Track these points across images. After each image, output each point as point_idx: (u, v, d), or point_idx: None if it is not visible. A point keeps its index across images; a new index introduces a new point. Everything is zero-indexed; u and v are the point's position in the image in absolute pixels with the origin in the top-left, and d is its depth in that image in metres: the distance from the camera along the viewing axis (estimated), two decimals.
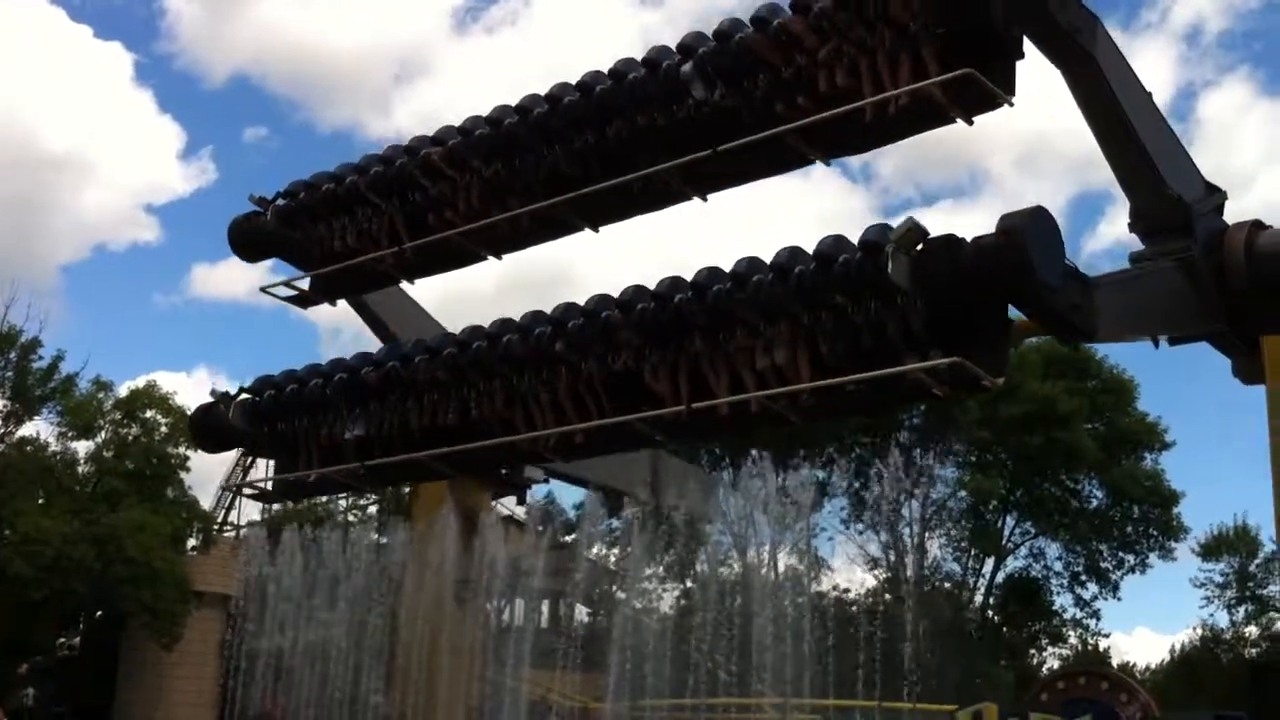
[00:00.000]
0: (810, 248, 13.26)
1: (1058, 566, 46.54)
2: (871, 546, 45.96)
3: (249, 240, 18.92)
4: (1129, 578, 45.66)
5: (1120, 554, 45.56)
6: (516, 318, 16.09)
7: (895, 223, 12.48)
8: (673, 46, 14.74)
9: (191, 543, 38.43)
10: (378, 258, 17.40)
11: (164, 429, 37.05)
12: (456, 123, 16.97)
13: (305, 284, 18.93)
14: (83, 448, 37.59)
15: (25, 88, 75.22)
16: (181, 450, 37.06)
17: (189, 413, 37.13)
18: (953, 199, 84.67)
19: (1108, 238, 78.92)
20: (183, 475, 37.96)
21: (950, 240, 12.03)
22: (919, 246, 11.96)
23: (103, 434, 37.21)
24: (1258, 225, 13.81)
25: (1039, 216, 11.69)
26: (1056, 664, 45.77)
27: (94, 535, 33.76)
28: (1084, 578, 46.10)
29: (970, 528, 45.38)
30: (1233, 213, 14.31)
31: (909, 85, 12.46)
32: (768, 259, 13.56)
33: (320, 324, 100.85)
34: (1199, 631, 47.84)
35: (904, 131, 13.62)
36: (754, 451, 48.12)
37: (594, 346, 14.60)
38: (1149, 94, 13.29)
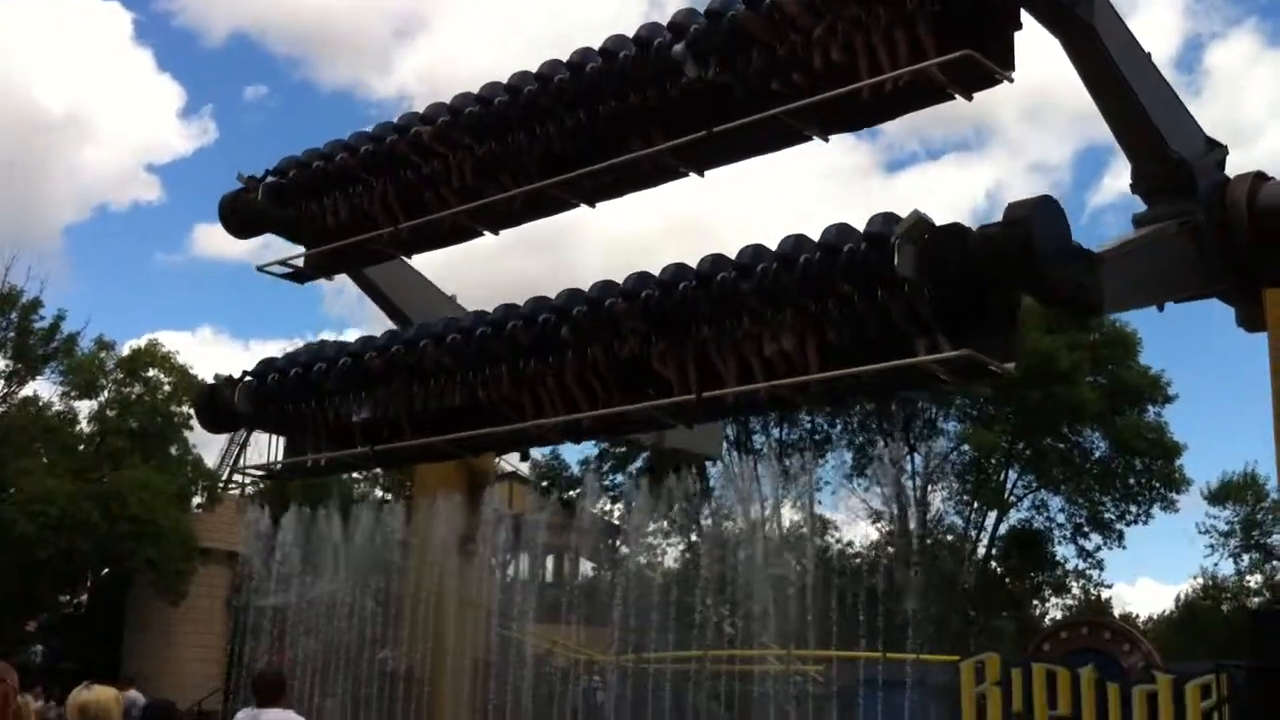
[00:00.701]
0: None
1: (1060, 518, 46.70)
2: (874, 500, 46.12)
3: (240, 218, 18.91)
4: (1132, 529, 45.86)
5: (1123, 505, 45.69)
6: (520, 302, 16.04)
7: (902, 214, 12.41)
8: (664, 23, 14.62)
9: (196, 500, 38.57)
10: (373, 237, 17.40)
11: (166, 388, 37.12)
12: (458, 81, 17.18)
13: (301, 261, 18.95)
14: (85, 407, 37.71)
15: (24, 47, 74.86)
16: (184, 409, 37.13)
17: (190, 371, 37.43)
18: (958, 152, 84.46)
19: (1113, 191, 78.84)
20: (186, 434, 38.06)
21: (956, 231, 11.99)
22: (925, 237, 11.92)
23: (105, 393, 37.28)
24: (1260, 177, 13.78)
25: (1045, 205, 11.66)
26: (1059, 615, 46.03)
27: (98, 494, 33.90)
28: (1086, 529, 46.25)
29: (972, 481, 45.48)
30: (1240, 165, 14.30)
31: (907, 64, 12.43)
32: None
33: (323, 282, 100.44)
34: (1200, 581, 48.08)
35: (902, 109, 13.59)
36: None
37: (599, 334, 14.55)
38: (1148, 55, 13.20)
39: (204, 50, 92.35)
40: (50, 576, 35.13)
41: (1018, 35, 12.28)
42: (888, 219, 12.39)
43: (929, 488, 45.93)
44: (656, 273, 14.38)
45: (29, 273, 44.87)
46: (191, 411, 37.11)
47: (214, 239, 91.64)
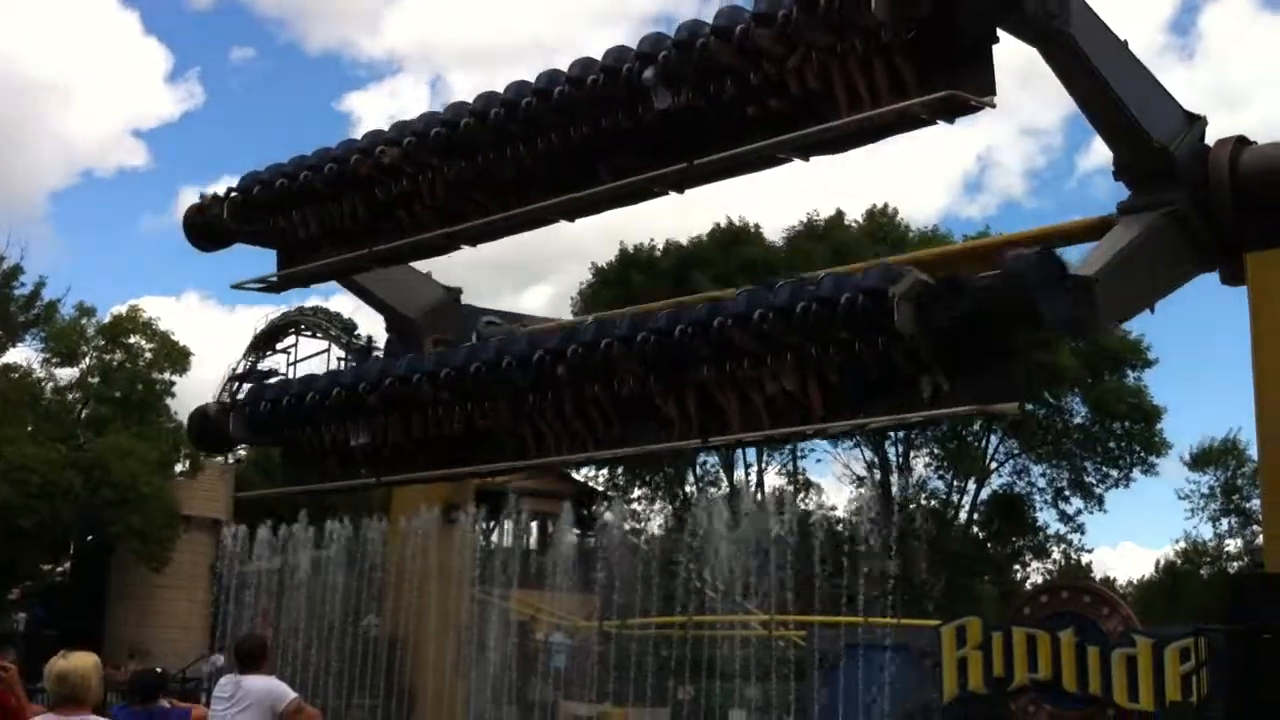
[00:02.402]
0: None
1: (1041, 483, 46.97)
2: (857, 465, 46.30)
3: (204, 233, 18.69)
4: (1114, 493, 46.14)
5: (1104, 469, 45.96)
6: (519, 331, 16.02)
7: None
8: (633, 47, 14.43)
9: (179, 467, 38.52)
10: (347, 258, 17.35)
11: (148, 354, 36.99)
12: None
13: (275, 277, 18.82)
14: (67, 374, 37.58)
15: (9, 11, 74.09)
16: (166, 376, 37.05)
17: (172, 338, 37.33)
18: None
19: (1103, 155, 78.48)
20: (168, 401, 37.99)
21: (954, 286, 11.96)
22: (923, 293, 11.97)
23: (87, 360, 37.15)
24: (1241, 142, 13.74)
25: (1042, 260, 11.70)
26: (1040, 579, 46.34)
27: (81, 461, 33.83)
28: (1068, 493, 46.56)
29: (954, 447, 45.67)
30: (1234, 128, 14.31)
31: (885, 93, 12.40)
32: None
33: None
34: (1181, 545, 48.43)
35: (883, 135, 13.55)
36: None
37: (597, 374, 14.49)
38: (1124, 43, 13.17)
39: (190, 13, 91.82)
40: (33, 544, 35.07)
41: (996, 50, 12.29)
42: (885, 274, 12.37)
43: (911, 453, 46.13)
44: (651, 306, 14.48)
45: (9, 238, 44.47)
46: (173, 379, 37.24)
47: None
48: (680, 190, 14.85)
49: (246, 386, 18.11)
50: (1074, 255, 13.28)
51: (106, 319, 37.37)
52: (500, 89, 15.54)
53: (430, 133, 15.76)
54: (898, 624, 20.86)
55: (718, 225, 48.09)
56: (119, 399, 36.47)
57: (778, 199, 77.52)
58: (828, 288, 12.77)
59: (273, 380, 17.94)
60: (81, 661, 7.13)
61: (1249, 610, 13.53)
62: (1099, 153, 78.99)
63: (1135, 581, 53.04)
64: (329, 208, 17.01)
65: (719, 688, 28.80)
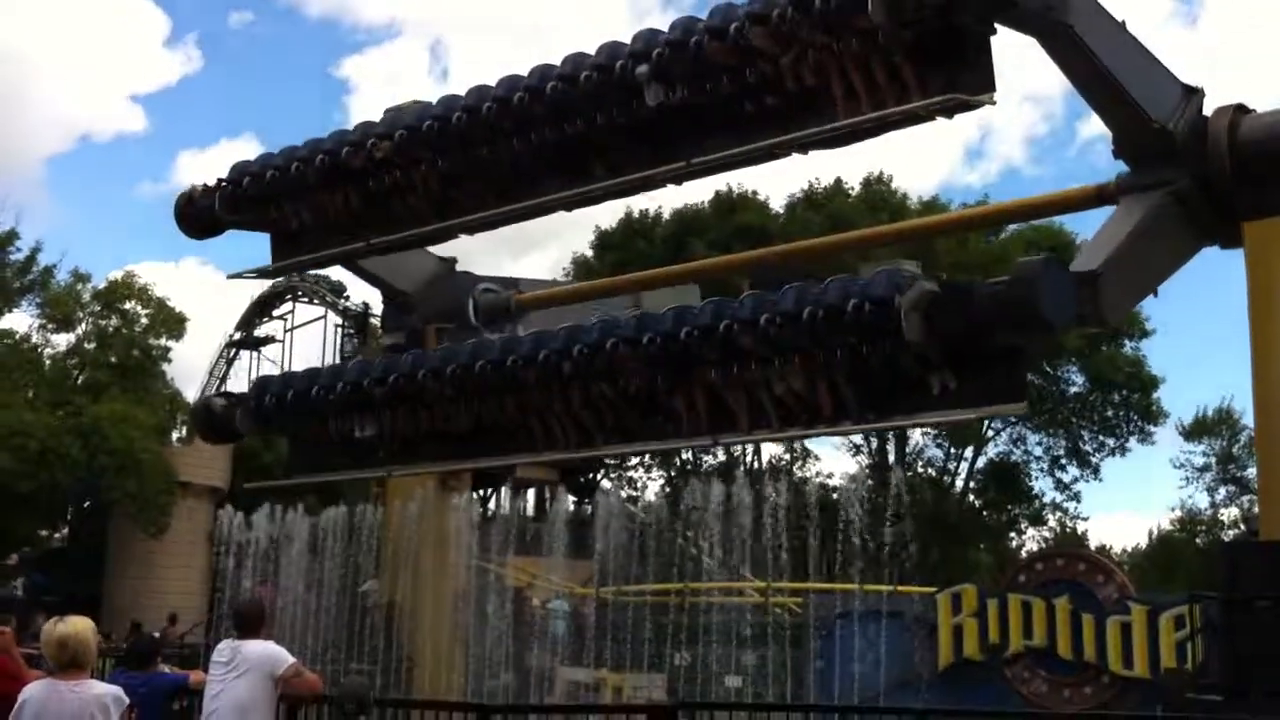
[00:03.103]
0: None
1: (1038, 451, 47.07)
2: (854, 437, 46.30)
3: (195, 223, 18.60)
4: (1110, 461, 46.26)
5: (1101, 438, 46.06)
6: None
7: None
8: (629, 38, 14.38)
9: (176, 434, 38.56)
10: (341, 251, 17.35)
11: (144, 320, 36.97)
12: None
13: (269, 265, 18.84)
14: (63, 340, 37.57)
15: None
16: (163, 342, 37.05)
17: (168, 304, 37.28)
18: None
19: (1102, 124, 78.26)
20: (165, 367, 37.99)
21: (961, 293, 11.96)
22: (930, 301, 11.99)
23: (83, 326, 37.13)
24: (1240, 109, 13.70)
25: (1048, 267, 11.73)
26: (1036, 547, 46.51)
27: (78, 427, 33.84)
28: (1064, 461, 46.67)
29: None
30: (1234, 94, 14.28)
31: (883, 90, 12.39)
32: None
33: None
34: (1175, 513, 48.59)
35: (881, 132, 13.56)
36: None
37: (603, 373, 14.52)
38: (1122, 24, 13.14)
39: None
40: (31, 510, 35.13)
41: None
42: (890, 279, 12.34)
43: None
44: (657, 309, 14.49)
45: (4, 204, 44.49)
46: (169, 344, 37.25)
47: (199, 166, 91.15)
48: (679, 184, 14.89)
49: (254, 378, 18.01)
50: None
51: (102, 285, 37.31)
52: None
53: (422, 127, 15.69)
54: (894, 591, 20.92)
55: (718, 192, 48.08)
56: (115, 365, 36.45)
57: (779, 165, 77.23)
58: (834, 294, 12.74)
59: (275, 371, 17.86)
60: (79, 626, 7.16)
61: (1243, 577, 13.57)
62: (1099, 121, 78.67)
63: (1131, 550, 53.26)
64: (321, 198, 16.96)
65: (715, 654, 28.93)
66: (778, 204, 47.90)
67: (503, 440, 16.09)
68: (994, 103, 12.40)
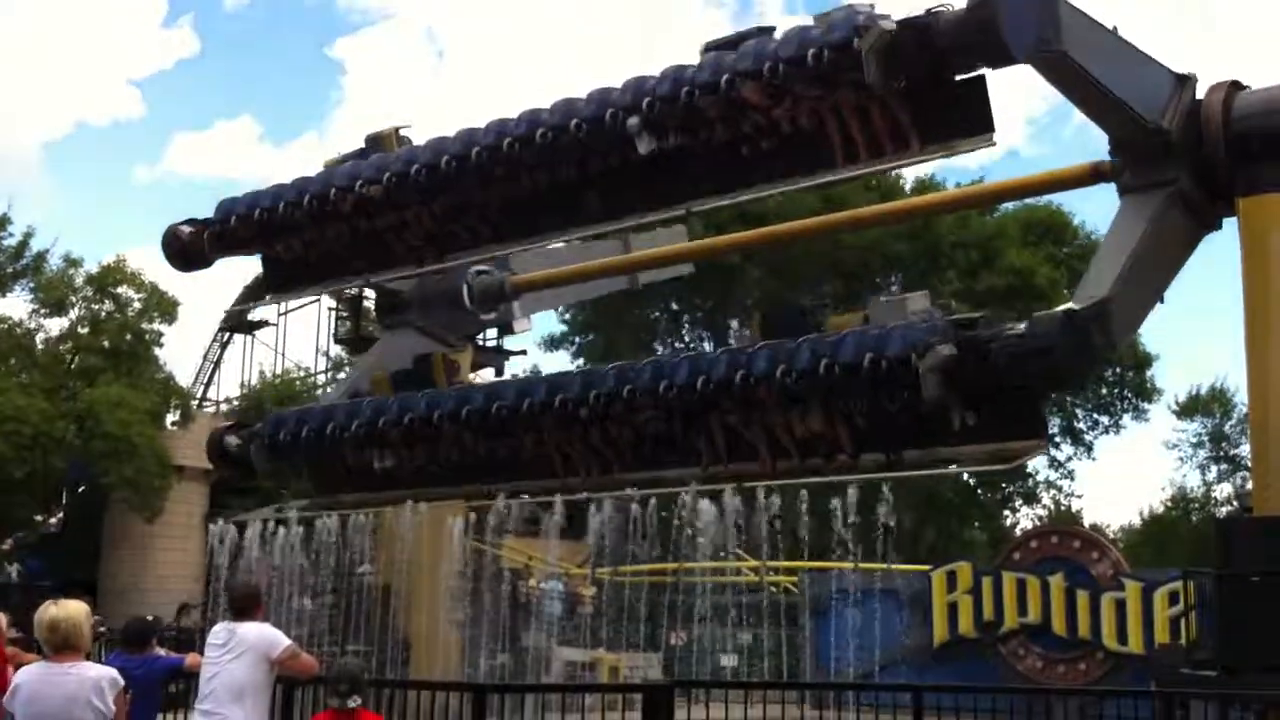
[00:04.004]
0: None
1: None
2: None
3: (183, 256, 18.61)
4: (1104, 439, 46.31)
5: (1095, 415, 46.10)
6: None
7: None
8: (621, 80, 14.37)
9: (170, 418, 38.50)
10: (338, 280, 17.46)
11: (137, 305, 36.87)
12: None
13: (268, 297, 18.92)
14: (56, 325, 37.46)
15: None
16: (156, 326, 36.94)
17: (161, 289, 37.15)
18: None
19: None
20: (157, 351, 37.89)
21: (979, 348, 11.95)
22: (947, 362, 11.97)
23: (75, 311, 37.03)
24: (1235, 86, 13.69)
25: (1065, 324, 11.69)
26: (1030, 525, 46.57)
27: (72, 412, 33.78)
28: (1058, 439, 46.70)
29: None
30: (1232, 71, 14.28)
31: (881, 135, 12.45)
32: None
33: None
34: (1167, 491, 48.68)
35: (879, 173, 13.67)
36: (733, 323, 48.34)
37: (620, 419, 14.52)
38: (1113, 30, 13.14)
39: None
40: (26, 495, 35.09)
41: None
42: (907, 337, 12.31)
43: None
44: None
45: None
46: (163, 329, 37.14)
47: (192, 151, 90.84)
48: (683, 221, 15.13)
49: (271, 420, 17.86)
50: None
51: (95, 270, 37.18)
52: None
53: (411, 172, 15.63)
54: (888, 569, 20.99)
55: None
56: (108, 349, 36.35)
57: None
58: (849, 351, 12.71)
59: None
60: (73, 609, 7.15)
61: (1237, 553, 13.61)
62: None
63: (1125, 528, 53.38)
64: (312, 234, 16.93)
65: (711, 633, 28.99)
66: None
67: (524, 470, 16.18)
68: (993, 144, 12.48)
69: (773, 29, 13.78)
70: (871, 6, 12.66)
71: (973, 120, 12.29)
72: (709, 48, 13.81)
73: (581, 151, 14.31)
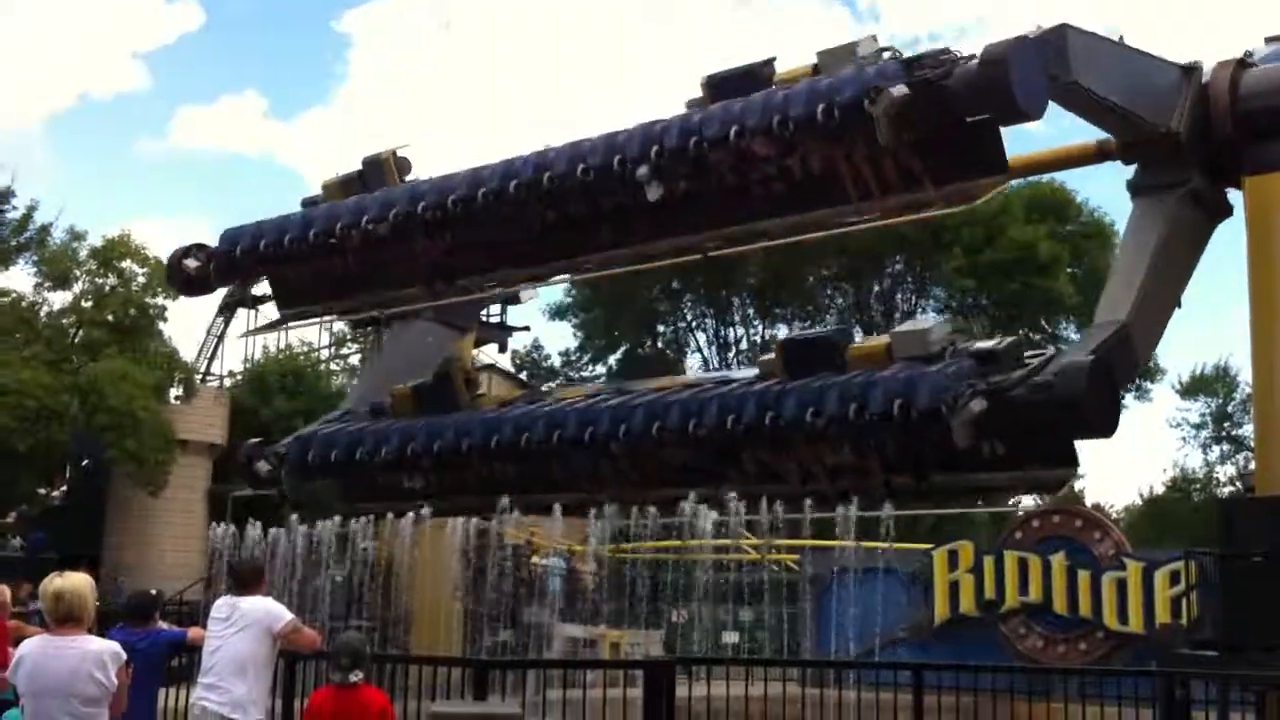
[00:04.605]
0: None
1: None
2: None
3: (189, 283, 18.72)
4: None
5: None
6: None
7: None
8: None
9: (174, 392, 38.55)
10: (349, 310, 17.55)
11: (140, 279, 36.86)
12: None
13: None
14: (60, 299, 37.48)
15: None
16: (159, 300, 36.94)
17: (165, 262, 37.09)
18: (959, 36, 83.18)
19: None
20: (161, 326, 37.91)
21: (1011, 403, 11.91)
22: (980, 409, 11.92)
23: (79, 284, 37.03)
24: (1242, 64, 13.62)
25: (1094, 372, 11.63)
26: (1032, 504, 46.52)
27: (76, 386, 33.82)
28: None
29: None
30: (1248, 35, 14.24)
31: (893, 182, 12.45)
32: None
33: (303, 176, 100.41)
34: (1168, 473, 48.67)
35: (894, 219, 13.65)
36: (736, 301, 48.18)
37: (649, 454, 14.53)
38: (1119, 40, 13.11)
39: None
40: (29, 468, 35.15)
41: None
42: (937, 389, 12.25)
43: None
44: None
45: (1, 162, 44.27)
46: (166, 303, 37.13)
47: (197, 125, 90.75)
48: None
49: (296, 444, 17.88)
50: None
51: (99, 243, 37.17)
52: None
53: (417, 210, 15.56)
54: (890, 547, 20.99)
55: None
56: (112, 323, 36.37)
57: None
58: (879, 399, 12.65)
59: (321, 428, 17.78)
60: (77, 581, 7.16)
61: (1238, 533, 13.61)
62: None
63: (1127, 508, 53.40)
64: (318, 264, 16.94)
65: (712, 610, 29.01)
66: None
67: (551, 487, 16.33)
68: (1008, 189, 12.50)
69: (773, 61, 13.80)
70: (878, 54, 12.66)
71: (986, 161, 12.25)
72: (710, 83, 13.77)
73: (588, 195, 14.30)
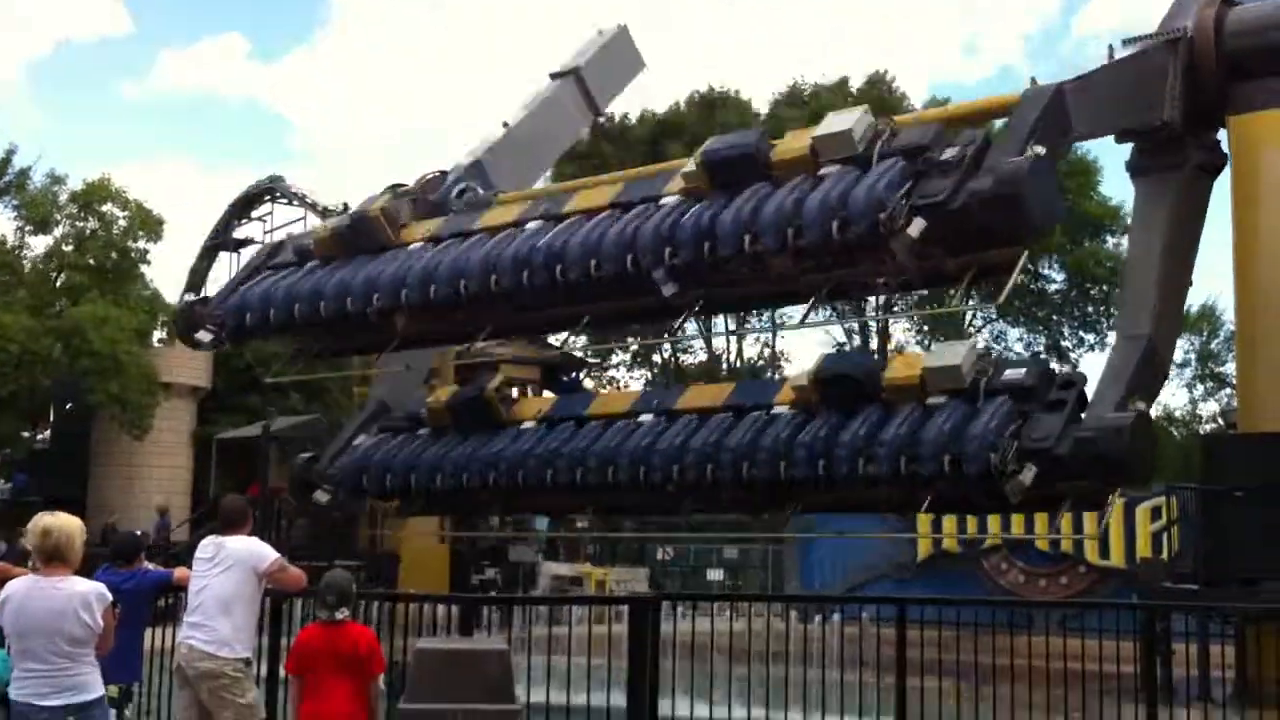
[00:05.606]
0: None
1: (1018, 347, 47.25)
2: (837, 332, 46.36)
3: (200, 345, 19.51)
4: (1089, 355, 46.50)
5: (1080, 333, 46.26)
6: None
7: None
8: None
9: (157, 335, 38.45)
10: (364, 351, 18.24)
11: (122, 222, 36.65)
12: None
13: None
14: (41, 243, 37.27)
15: None
16: (141, 244, 36.75)
17: (146, 206, 36.94)
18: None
19: (1098, 19, 77.87)
20: (144, 269, 37.74)
21: (1056, 461, 11.79)
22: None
23: (60, 228, 36.81)
24: (1227, 2, 13.49)
25: (1132, 430, 11.59)
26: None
27: (59, 329, 33.70)
28: (1044, 357, 46.83)
29: (931, 310, 45.83)
30: None
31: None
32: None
33: (289, 116, 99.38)
34: (1152, 410, 48.91)
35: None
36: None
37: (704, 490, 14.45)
38: (1110, 55, 13.06)
39: None
40: (13, 412, 35.11)
41: None
42: (985, 455, 12.10)
43: (890, 320, 46.22)
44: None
45: None
46: (148, 247, 36.97)
47: (179, 68, 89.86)
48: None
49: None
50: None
51: (79, 187, 36.90)
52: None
53: (430, 292, 15.29)
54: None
55: (696, 92, 47.54)
56: (94, 267, 36.20)
57: (760, 62, 76.59)
58: (929, 451, 12.47)
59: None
60: (66, 520, 7.18)
61: (1220, 469, 13.72)
62: (1094, 16, 78.18)
63: None
64: (331, 326, 16.86)
65: (697, 549, 29.22)
66: (761, 104, 47.40)
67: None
68: (1030, 268, 12.49)
69: (769, 136, 13.74)
70: (873, 136, 12.62)
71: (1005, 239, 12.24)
72: (707, 157, 13.62)
73: (601, 289, 14.24)
